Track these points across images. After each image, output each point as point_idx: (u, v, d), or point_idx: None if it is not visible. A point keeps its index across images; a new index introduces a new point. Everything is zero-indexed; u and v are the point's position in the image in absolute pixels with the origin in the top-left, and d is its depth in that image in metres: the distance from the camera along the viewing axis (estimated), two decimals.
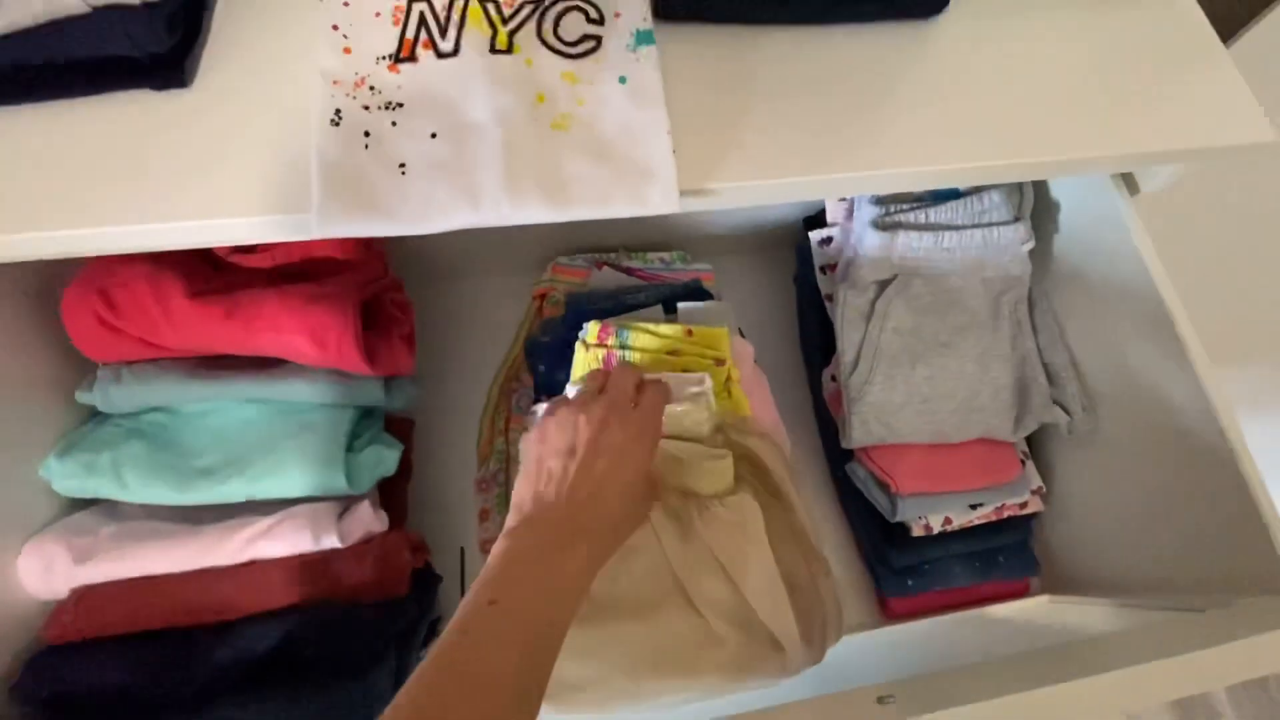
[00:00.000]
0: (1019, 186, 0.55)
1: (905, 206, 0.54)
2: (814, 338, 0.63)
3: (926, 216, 0.53)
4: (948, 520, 0.57)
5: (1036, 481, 0.59)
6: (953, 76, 0.42)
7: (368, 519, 0.43)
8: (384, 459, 0.47)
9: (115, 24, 0.32)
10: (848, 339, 0.55)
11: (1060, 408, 0.55)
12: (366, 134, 0.34)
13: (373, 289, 0.49)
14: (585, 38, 0.37)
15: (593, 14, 0.38)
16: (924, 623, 0.58)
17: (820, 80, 0.41)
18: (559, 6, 0.38)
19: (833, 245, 0.59)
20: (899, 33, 0.43)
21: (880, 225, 0.53)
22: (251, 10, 0.37)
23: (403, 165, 0.33)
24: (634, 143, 0.35)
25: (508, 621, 0.29)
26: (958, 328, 0.55)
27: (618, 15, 0.38)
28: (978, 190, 0.54)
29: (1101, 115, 0.43)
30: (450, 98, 0.35)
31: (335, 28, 0.36)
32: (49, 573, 0.39)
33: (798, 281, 0.66)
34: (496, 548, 0.33)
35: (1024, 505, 0.59)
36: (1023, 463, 0.59)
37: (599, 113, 0.36)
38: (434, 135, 0.34)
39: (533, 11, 0.37)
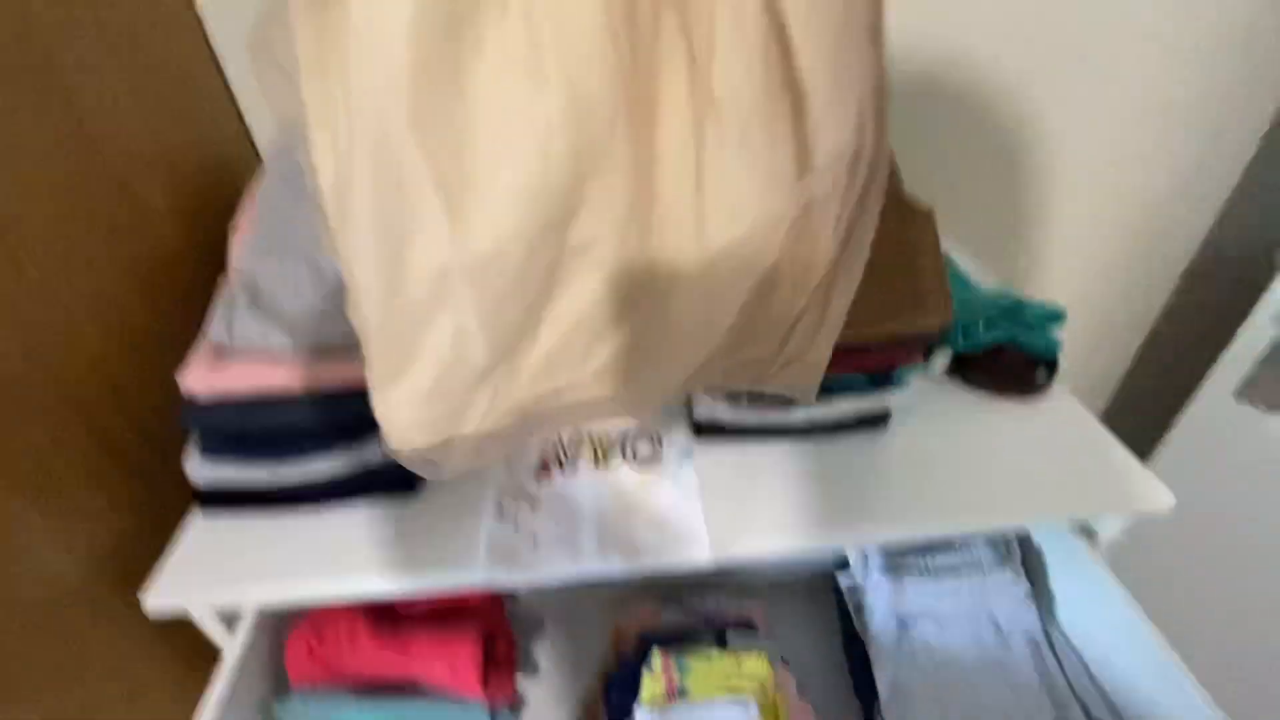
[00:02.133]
0: (1002, 538, 0.68)
1: (912, 556, 0.68)
2: (860, 674, 0.70)
3: (927, 564, 0.66)
4: None
5: None
6: (909, 464, 0.61)
7: None
8: None
9: (389, 463, 0.57)
10: (881, 679, 0.63)
11: None
12: (516, 519, 0.55)
13: (490, 628, 0.65)
14: (651, 455, 0.60)
15: (656, 440, 0.62)
16: None
17: (811, 471, 0.61)
18: (635, 439, 0.62)
19: (856, 588, 0.71)
20: (864, 440, 0.64)
21: (889, 571, 0.66)
22: None
23: (534, 537, 0.53)
24: (680, 519, 0.54)
25: None
26: (980, 664, 0.62)
27: (671, 442, 0.62)
28: (965, 542, 0.67)
29: (1028, 486, 0.59)
30: (567, 496, 0.56)
31: (507, 460, 0.60)
32: None
33: (840, 620, 0.76)
34: None
35: None
36: None
37: (658, 500, 0.56)
38: (555, 521, 0.55)
39: (620, 441, 0.61)
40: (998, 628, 0.64)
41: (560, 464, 0.59)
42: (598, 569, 0.51)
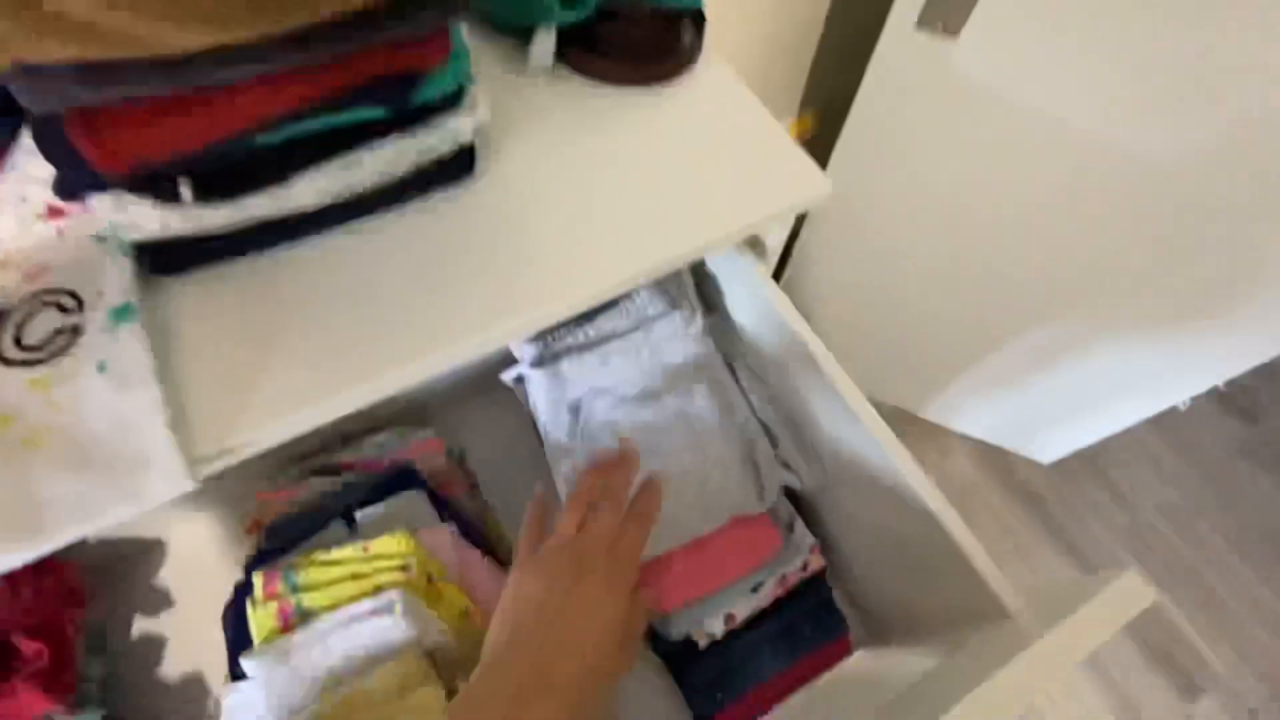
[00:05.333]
0: (675, 275, 0.56)
1: (563, 331, 0.53)
2: None
3: (586, 335, 0.52)
4: (730, 618, 0.54)
5: (809, 539, 0.57)
6: (519, 219, 0.42)
7: None
8: None
9: None
10: (557, 475, 0.53)
11: (785, 466, 0.54)
12: None
13: None
14: (57, 332, 0.34)
15: (68, 303, 0.35)
16: None
17: (369, 278, 0.39)
18: (23, 310, 0.34)
19: (522, 380, 0.58)
20: (439, 204, 0.42)
21: (541, 362, 0.51)
22: None
23: None
24: (124, 434, 0.32)
25: None
26: (660, 424, 0.53)
27: (101, 293, 0.35)
28: (626, 294, 0.54)
29: (684, 205, 0.43)
30: None
31: None
32: None
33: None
34: (461, 693, 0.33)
35: (805, 566, 0.57)
36: (791, 526, 0.58)
37: (79, 414, 0.32)
38: None
39: None
40: (677, 376, 0.54)
41: None
42: None
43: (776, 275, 1.21)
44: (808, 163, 0.46)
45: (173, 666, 0.56)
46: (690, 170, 0.45)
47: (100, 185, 0.30)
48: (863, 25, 0.94)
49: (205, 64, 0.26)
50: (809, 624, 0.57)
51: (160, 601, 0.59)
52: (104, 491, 0.31)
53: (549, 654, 0.33)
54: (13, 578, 0.45)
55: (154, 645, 0.57)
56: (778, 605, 0.56)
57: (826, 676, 0.56)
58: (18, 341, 0.33)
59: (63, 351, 0.34)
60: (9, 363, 0.33)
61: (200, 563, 0.60)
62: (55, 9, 0.23)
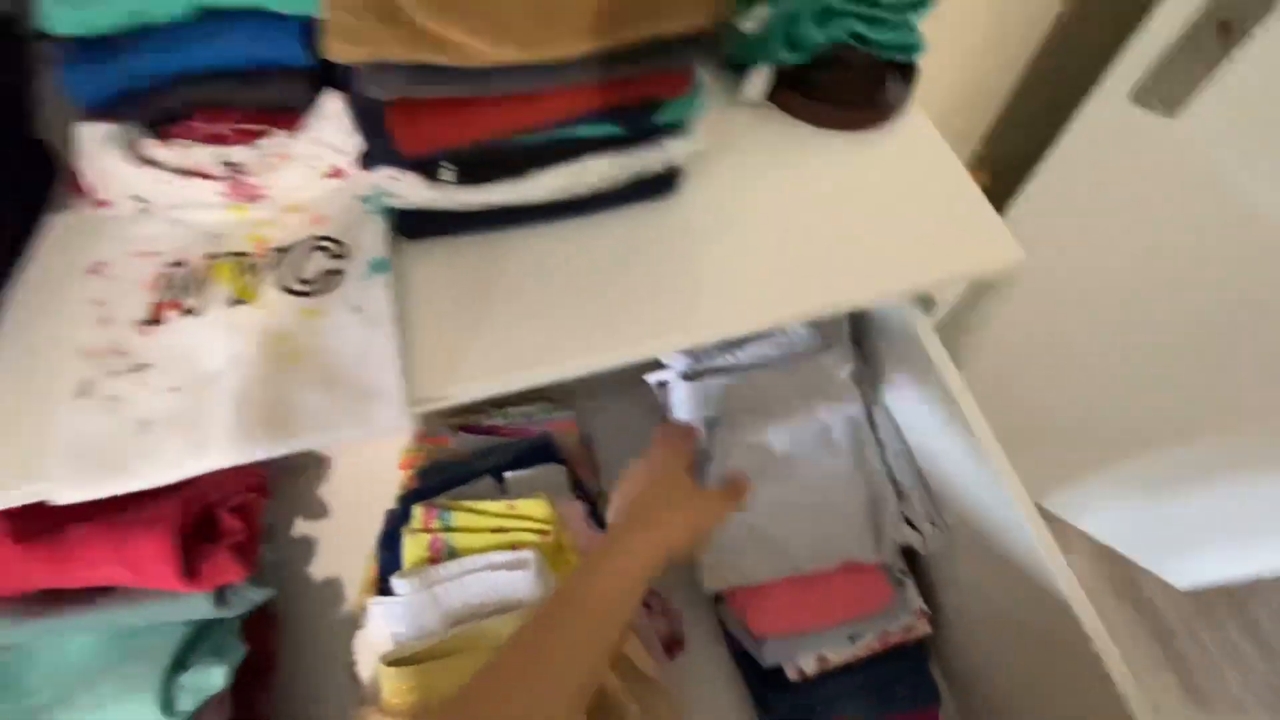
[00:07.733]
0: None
1: (714, 350, 0.55)
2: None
3: (735, 358, 0.55)
4: (823, 659, 0.54)
5: (918, 603, 0.56)
6: (703, 240, 0.45)
7: None
8: (209, 679, 0.47)
9: None
10: None
11: (909, 524, 0.53)
12: (113, 398, 0.37)
13: (203, 502, 0.51)
14: (327, 273, 0.41)
15: (335, 249, 0.42)
16: None
17: (572, 270, 0.44)
18: (302, 249, 0.42)
19: (666, 387, 0.61)
20: (642, 214, 0.46)
21: (690, 375, 0.54)
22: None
23: (144, 423, 0.36)
24: (363, 366, 0.38)
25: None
26: (790, 459, 0.55)
27: (360, 246, 0.42)
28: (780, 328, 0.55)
29: (865, 252, 0.45)
30: (192, 352, 0.38)
31: (98, 303, 0.40)
32: None
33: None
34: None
35: (909, 630, 0.56)
36: (901, 583, 0.57)
37: (332, 342, 0.39)
38: (173, 389, 0.37)
39: (279, 259, 0.41)
40: (816, 415, 0.55)
41: (178, 304, 0.40)
42: (231, 461, 0.36)
43: None
44: (1000, 228, 0.46)
45: (320, 567, 0.65)
46: (877, 219, 0.46)
47: (394, 161, 0.36)
48: (1062, 87, 0.89)
49: (505, 74, 0.31)
50: (901, 685, 0.56)
51: (320, 510, 0.68)
52: (341, 413, 0.37)
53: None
54: None
55: (308, 546, 0.66)
56: (873, 658, 0.56)
57: None
58: (296, 274, 0.41)
59: (328, 289, 0.40)
60: (292, 292, 0.40)
61: (357, 484, 0.69)
62: (420, 25, 0.28)
